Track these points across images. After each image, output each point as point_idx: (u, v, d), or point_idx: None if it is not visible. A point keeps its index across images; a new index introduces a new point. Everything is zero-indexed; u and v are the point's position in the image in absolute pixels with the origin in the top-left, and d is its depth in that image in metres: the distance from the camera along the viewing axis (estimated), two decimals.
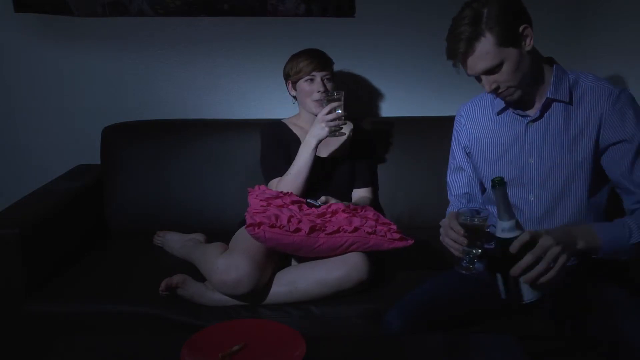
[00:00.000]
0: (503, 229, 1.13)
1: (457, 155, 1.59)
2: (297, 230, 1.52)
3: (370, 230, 1.56)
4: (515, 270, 1.13)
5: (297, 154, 1.79)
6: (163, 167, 2.06)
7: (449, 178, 1.62)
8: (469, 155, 1.55)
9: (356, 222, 1.57)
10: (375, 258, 1.63)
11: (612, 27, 1.99)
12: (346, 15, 2.16)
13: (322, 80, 1.85)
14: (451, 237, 1.28)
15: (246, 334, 1.26)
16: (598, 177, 1.37)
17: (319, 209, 1.64)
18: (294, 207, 1.62)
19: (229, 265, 1.52)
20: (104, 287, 1.64)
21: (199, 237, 1.91)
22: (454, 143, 1.60)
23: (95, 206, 2.05)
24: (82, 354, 1.26)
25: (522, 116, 1.42)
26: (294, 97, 1.96)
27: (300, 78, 1.86)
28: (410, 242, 1.57)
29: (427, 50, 2.16)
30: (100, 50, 2.18)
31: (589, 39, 2.14)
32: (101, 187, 2.07)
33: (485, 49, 1.28)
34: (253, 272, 1.51)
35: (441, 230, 1.33)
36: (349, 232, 1.55)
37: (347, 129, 1.93)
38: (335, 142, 1.93)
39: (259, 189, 1.71)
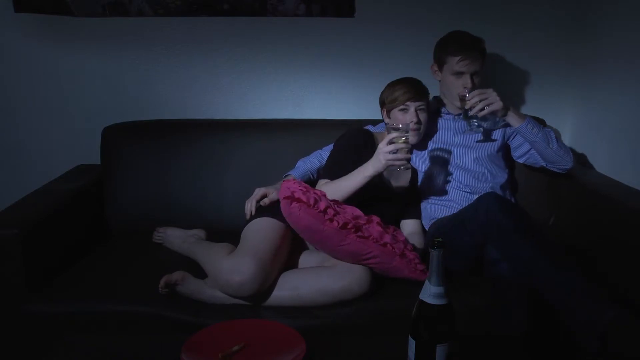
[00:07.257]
0: (431, 293, 1.07)
1: None
2: (331, 220, 1.49)
3: (398, 252, 1.53)
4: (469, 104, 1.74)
5: (352, 174, 1.67)
6: (163, 167, 2.06)
7: None
8: None
9: (387, 238, 1.53)
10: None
11: (615, 28, 1.99)
12: (346, 15, 2.17)
13: (415, 110, 1.80)
14: None
15: (246, 334, 1.26)
16: None
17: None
18: (332, 201, 1.57)
19: (234, 267, 1.50)
20: (104, 287, 1.64)
21: (200, 233, 1.91)
22: None
23: (95, 206, 2.05)
24: (82, 354, 1.26)
25: None
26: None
27: (395, 107, 1.81)
28: None
29: (428, 50, 2.15)
30: (100, 50, 2.18)
31: (591, 41, 2.13)
32: (101, 187, 2.07)
33: None
34: (258, 275, 1.49)
35: None
36: (378, 244, 1.52)
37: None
38: (406, 178, 1.89)
39: (296, 180, 1.63)
